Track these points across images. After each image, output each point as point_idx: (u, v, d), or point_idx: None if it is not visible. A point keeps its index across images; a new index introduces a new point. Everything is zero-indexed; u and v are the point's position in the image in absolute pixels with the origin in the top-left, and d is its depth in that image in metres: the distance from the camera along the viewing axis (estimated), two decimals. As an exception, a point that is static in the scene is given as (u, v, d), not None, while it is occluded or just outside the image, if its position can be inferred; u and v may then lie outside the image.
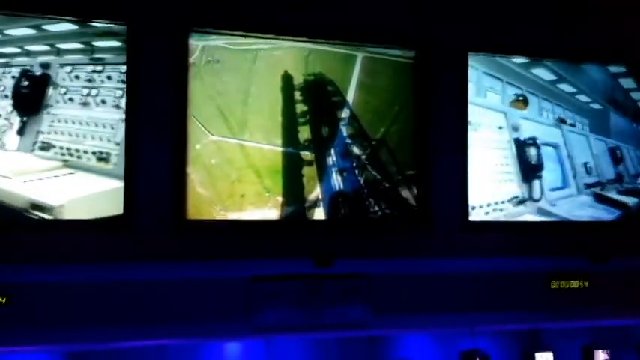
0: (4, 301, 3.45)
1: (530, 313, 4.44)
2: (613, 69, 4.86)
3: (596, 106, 4.83)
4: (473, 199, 4.44)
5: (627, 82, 4.88)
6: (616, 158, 4.86)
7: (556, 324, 4.57)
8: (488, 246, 4.43)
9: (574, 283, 4.56)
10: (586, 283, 4.57)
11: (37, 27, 3.70)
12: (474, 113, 4.47)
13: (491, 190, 4.52)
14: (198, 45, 3.94)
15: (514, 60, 4.62)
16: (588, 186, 4.77)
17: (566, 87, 4.76)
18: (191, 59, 3.91)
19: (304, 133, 4.14)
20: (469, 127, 4.44)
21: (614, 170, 4.84)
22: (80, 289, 3.61)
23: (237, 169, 3.97)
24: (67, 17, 3.72)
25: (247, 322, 3.87)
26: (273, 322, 3.92)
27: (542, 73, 4.70)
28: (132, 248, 3.74)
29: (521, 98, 4.65)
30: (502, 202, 4.54)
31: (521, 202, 4.61)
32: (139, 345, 3.78)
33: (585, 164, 4.78)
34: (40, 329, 3.50)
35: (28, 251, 3.57)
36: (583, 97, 4.80)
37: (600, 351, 4.61)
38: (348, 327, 4.09)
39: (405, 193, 4.32)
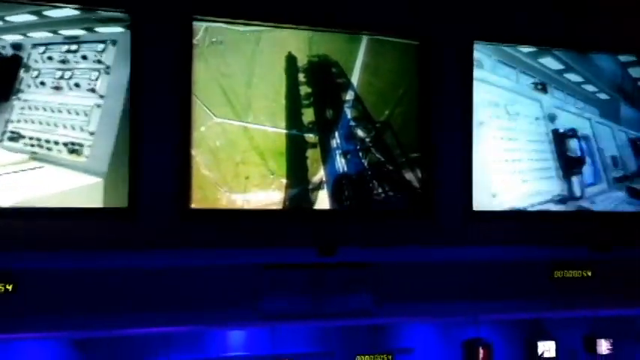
0: (10, 288, 3.40)
1: (533, 302, 4.42)
2: (623, 58, 4.80)
3: (603, 95, 4.77)
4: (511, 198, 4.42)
5: (637, 72, 4.84)
6: (637, 149, 4.77)
7: (559, 313, 4.56)
8: (492, 235, 4.40)
9: (577, 273, 4.55)
10: (589, 273, 4.56)
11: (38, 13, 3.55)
12: (511, 101, 4.44)
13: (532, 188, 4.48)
14: (201, 26, 3.86)
15: (522, 49, 4.57)
16: (617, 180, 4.69)
17: (573, 77, 4.70)
18: (194, 40, 3.82)
19: (308, 116, 4.09)
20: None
21: (637, 162, 4.77)
22: (86, 277, 3.55)
23: (241, 151, 3.91)
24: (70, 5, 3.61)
25: (253, 310, 3.83)
26: (279, 310, 3.88)
27: (551, 63, 4.64)
28: (138, 236, 3.68)
29: (540, 87, 4.58)
30: (545, 202, 4.50)
31: (563, 200, 4.56)
32: (145, 332, 3.73)
33: (613, 157, 4.71)
34: (46, 316, 3.46)
35: (32, 239, 3.51)
36: (590, 87, 4.74)
37: (602, 340, 4.59)
38: (352, 315, 4.05)
39: (409, 177, 4.28)
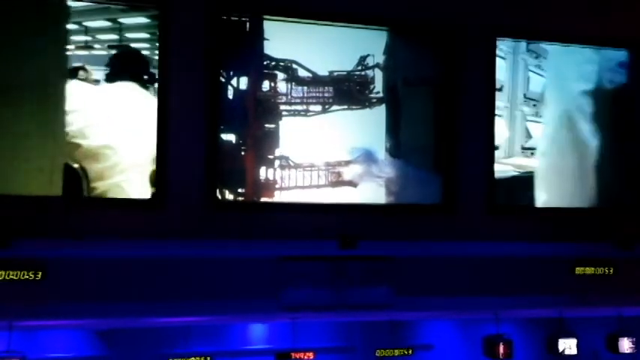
0: (39, 276, 3.49)
1: (553, 298, 4.41)
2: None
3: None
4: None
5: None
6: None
7: (580, 310, 4.54)
8: (513, 230, 4.42)
9: (599, 270, 4.52)
10: (611, 270, 4.53)
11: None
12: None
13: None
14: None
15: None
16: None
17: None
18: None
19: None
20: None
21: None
22: (112, 266, 3.63)
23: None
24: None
25: (274, 301, 3.88)
26: (300, 302, 3.91)
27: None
28: (163, 226, 3.78)
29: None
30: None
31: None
32: (167, 322, 3.82)
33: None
34: (73, 304, 3.54)
35: (62, 228, 3.62)
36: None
37: (625, 339, 4.55)
38: (372, 308, 4.08)
39: (431, 172, 4.34)
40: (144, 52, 3.87)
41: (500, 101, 4.49)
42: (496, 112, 4.45)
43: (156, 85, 3.83)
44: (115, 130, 3.78)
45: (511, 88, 4.54)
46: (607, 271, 4.49)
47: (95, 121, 3.75)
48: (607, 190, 4.68)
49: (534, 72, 4.60)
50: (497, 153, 4.46)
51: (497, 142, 4.46)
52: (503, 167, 4.49)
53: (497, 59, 4.47)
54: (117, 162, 3.77)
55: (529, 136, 4.57)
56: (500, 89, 4.49)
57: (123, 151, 3.79)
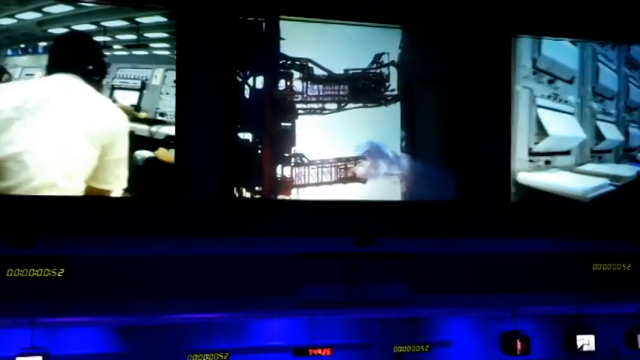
0: (61, 273, 3.55)
1: (571, 295, 4.40)
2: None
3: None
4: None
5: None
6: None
7: (598, 307, 4.52)
8: (530, 227, 4.42)
9: (617, 266, 4.50)
10: (628, 266, 4.50)
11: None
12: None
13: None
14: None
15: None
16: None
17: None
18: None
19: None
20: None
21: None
22: (132, 264, 3.68)
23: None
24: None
25: (292, 298, 3.91)
26: (317, 298, 3.93)
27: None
28: (181, 224, 3.84)
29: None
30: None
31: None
32: (187, 318, 3.87)
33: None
34: (94, 301, 3.60)
35: (82, 227, 3.70)
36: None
37: (644, 335, 4.53)
38: (389, 305, 4.10)
39: (448, 169, 4.35)
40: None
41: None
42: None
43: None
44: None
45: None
46: (625, 267, 4.47)
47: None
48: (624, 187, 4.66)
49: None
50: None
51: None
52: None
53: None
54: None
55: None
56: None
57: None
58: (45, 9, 3.70)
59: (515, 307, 4.36)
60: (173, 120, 3.85)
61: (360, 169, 4.19)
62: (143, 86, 3.86)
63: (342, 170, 4.17)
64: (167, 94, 3.88)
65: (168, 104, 3.87)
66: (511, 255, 4.28)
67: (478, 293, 4.22)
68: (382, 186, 4.24)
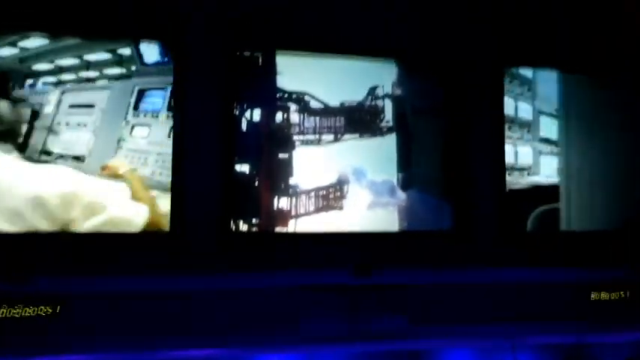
0: (54, 310, 3.49)
1: (570, 324, 4.38)
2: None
3: None
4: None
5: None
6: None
7: (597, 336, 4.50)
8: (526, 256, 4.43)
9: (614, 295, 4.50)
10: (627, 294, 4.51)
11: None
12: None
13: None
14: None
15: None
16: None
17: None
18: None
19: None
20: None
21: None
22: (127, 301, 3.64)
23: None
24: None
25: (290, 332, 3.87)
26: (314, 333, 3.90)
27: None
28: (178, 259, 3.80)
29: None
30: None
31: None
32: (184, 354, 3.80)
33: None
34: (88, 339, 3.53)
35: (75, 262, 3.65)
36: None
37: (644, 364, 4.51)
38: (388, 337, 4.07)
39: (445, 198, 4.38)
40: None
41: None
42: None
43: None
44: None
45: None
46: (623, 295, 4.48)
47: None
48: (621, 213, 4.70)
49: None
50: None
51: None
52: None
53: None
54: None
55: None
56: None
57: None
58: (20, 44, 3.64)
59: (515, 338, 4.33)
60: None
61: (357, 200, 4.20)
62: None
63: (340, 202, 4.18)
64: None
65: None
66: (509, 284, 4.28)
67: (477, 324, 4.20)
68: (379, 216, 4.24)
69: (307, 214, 4.09)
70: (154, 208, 3.76)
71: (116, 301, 3.61)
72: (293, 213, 4.06)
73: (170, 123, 3.86)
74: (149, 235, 3.78)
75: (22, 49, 3.62)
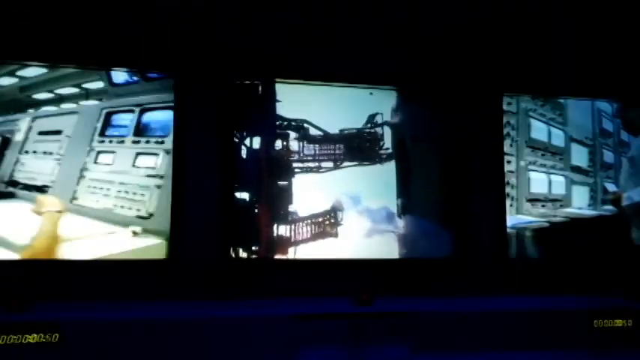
0: (55, 338, 3.48)
1: (572, 353, 4.33)
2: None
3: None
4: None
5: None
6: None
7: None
8: (528, 283, 4.41)
9: (618, 322, 4.45)
10: (630, 323, 4.45)
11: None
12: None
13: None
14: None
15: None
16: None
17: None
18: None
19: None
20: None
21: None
22: (126, 328, 3.58)
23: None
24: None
25: (289, 360, 3.86)
26: (315, 361, 3.90)
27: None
28: (175, 287, 3.83)
29: None
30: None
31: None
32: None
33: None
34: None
35: (77, 290, 3.68)
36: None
37: (649, 393, 4.43)
38: (389, 366, 4.05)
39: (444, 226, 4.38)
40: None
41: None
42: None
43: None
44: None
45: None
46: (626, 323, 4.42)
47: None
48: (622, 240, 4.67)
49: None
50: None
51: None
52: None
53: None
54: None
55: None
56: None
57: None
58: (18, 73, 3.66)
59: (516, 366, 4.28)
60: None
61: (357, 228, 4.21)
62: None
63: (340, 229, 4.19)
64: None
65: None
66: (511, 312, 4.24)
67: (479, 352, 4.16)
68: (378, 244, 4.25)
69: (306, 241, 4.11)
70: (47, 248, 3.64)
71: (115, 328, 3.57)
72: (293, 240, 4.08)
73: (135, 148, 3.79)
74: (149, 262, 3.80)
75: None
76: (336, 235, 4.18)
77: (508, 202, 4.44)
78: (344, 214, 4.20)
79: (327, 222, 4.17)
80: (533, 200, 4.53)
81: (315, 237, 4.14)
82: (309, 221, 4.13)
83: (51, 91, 3.69)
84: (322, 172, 4.21)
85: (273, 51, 4.19)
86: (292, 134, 4.17)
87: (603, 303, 4.41)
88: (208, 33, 4.10)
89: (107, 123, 3.76)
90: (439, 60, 4.51)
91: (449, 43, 4.52)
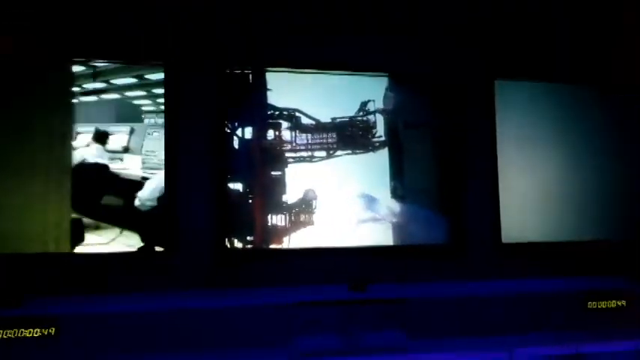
0: (51, 332, 3.49)
1: (568, 334, 4.37)
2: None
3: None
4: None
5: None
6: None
7: (595, 345, 4.48)
8: (522, 267, 4.44)
9: (611, 303, 4.49)
10: (624, 303, 4.49)
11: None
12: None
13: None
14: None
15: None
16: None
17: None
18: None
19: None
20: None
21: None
22: (122, 320, 3.63)
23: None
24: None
25: (285, 349, 3.85)
26: (311, 348, 3.88)
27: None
28: (173, 277, 3.84)
29: None
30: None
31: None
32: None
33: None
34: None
35: (74, 283, 3.68)
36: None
37: (644, 373, 4.48)
38: (385, 352, 4.05)
39: (439, 211, 4.39)
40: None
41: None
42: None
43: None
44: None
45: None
46: (620, 303, 4.46)
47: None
48: (617, 222, 4.70)
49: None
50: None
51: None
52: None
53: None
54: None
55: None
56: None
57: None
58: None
59: (513, 349, 4.31)
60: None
61: (351, 216, 4.22)
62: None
63: (334, 217, 4.19)
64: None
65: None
66: (506, 296, 4.27)
67: (475, 336, 4.19)
68: (374, 231, 4.26)
69: (300, 229, 4.12)
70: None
71: (111, 321, 3.61)
72: (288, 229, 4.08)
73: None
74: (144, 254, 3.80)
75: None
76: (330, 223, 4.18)
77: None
78: (337, 202, 4.21)
79: (320, 211, 4.17)
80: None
81: (308, 226, 4.14)
82: (302, 210, 4.13)
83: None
84: (315, 161, 4.21)
85: (263, 39, 4.17)
86: (284, 124, 4.16)
87: (598, 284, 4.45)
88: (199, 20, 4.08)
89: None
90: (432, 46, 4.48)
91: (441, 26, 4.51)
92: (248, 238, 4.03)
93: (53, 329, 3.49)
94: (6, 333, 3.44)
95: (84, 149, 3.86)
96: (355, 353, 3.98)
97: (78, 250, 3.71)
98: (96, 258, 3.73)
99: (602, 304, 4.45)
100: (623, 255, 4.62)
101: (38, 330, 3.49)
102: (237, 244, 4.01)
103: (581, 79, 4.74)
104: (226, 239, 3.97)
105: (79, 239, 3.69)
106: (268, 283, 3.99)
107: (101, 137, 3.89)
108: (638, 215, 4.74)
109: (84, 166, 3.84)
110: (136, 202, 3.89)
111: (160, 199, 3.91)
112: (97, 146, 3.88)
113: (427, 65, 4.48)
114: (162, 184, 3.92)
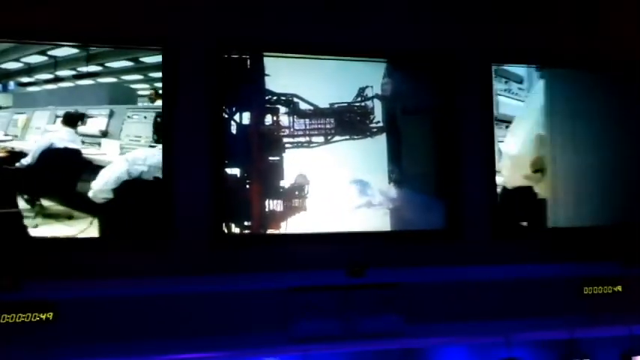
0: (50, 317, 3.49)
1: (564, 319, 4.39)
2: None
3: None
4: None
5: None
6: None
7: (591, 330, 4.52)
8: (519, 252, 4.45)
9: (607, 289, 4.51)
10: (619, 288, 4.52)
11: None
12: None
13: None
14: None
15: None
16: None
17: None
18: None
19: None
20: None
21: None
22: (120, 305, 3.63)
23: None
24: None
25: (283, 334, 3.86)
26: (308, 333, 3.90)
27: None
28: (169, 262, 3.84)
29: None
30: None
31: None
32: (178, 358, 3.80)
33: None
34: (83, 345, 3.53)
35: (71, 268, 3.68)
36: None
37: (639, 357, 4.52)
38: (383, 336, 4.07)
39: (435, 196, 4.40)
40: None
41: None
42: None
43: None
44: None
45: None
46: (615, 289, 4.49)
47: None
48: (612, 208, 4.72)
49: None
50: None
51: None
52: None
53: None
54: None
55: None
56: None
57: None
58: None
59: (509, 334, 4.34)
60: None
61: (349, 201, 4.22)
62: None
63: (332, 203, 4.19)
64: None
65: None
66: (502, 281, 4.29)
67: (471, 321, 4.21)
68: (371, 216, 4.26)
69: (297, 214, 4.12)
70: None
71: (109, 306, 3.61)
72: (285, 214, 4.08)
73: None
74: (141, 238, 3.80)
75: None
76: (327, 209, 4.18)
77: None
78: (335, 188, 4.21)
79: (316, 197, 4.17)
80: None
81: (305, 211, 4.13)
82: (299, 195, 4.13)
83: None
84: (313, 146, 4.20)
85: (261, 24, 4.15)
86: (282, 109, 4.15)
87: (593, 270, 4.47)
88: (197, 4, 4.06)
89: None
90: (429, 31, 4.46)
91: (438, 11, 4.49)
92: (245, 223, 4.03)
93: (51, 314, 3.49)
94: (3, 317, 3.44)
95: (52, 134, 3.70)
96: (353, 338, 4.00)
97: (75, 234, 3.69)
98: (92, 243, 3.72)
99: (598, 290, 4.47)
100: (619, 240, 4.64)
101: (37, 315, 3.49)
102: (235, 229, 4.01)
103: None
104: (223, 224, 3.97)
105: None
106: (266, 269, 3.99)
107: (72, 120, 3.72)
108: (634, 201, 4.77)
109: (51, 151, 3.70)
110: (89, 193, 3.74)
111: (115, 190, 3.75)
112: (67, 129, 3.71)
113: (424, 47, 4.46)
114: (119, 175, 3.76)
